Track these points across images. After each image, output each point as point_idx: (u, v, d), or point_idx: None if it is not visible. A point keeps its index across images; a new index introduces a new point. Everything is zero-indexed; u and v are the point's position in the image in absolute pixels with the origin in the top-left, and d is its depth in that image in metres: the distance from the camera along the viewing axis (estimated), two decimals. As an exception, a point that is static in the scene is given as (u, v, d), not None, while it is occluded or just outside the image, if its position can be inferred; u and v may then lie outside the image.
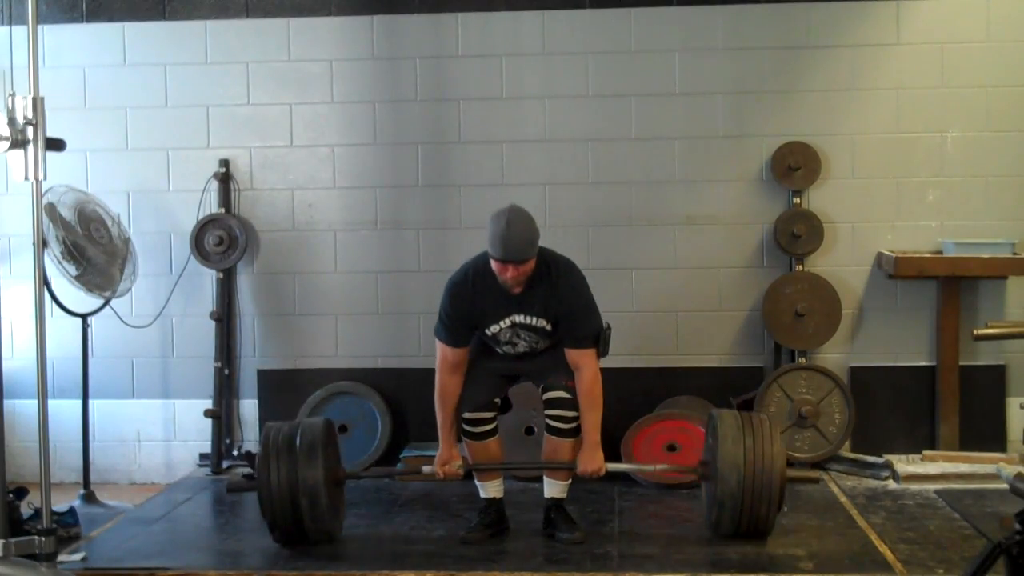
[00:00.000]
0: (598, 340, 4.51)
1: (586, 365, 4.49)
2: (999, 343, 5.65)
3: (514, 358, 4.62)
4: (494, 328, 4.51)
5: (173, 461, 6.06)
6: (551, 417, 4.61)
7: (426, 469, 4.68)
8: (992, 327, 4.70)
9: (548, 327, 4.50)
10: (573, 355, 4.50)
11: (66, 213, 5.32)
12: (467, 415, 4.62)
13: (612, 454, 5.59)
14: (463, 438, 4.68)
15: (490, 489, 4.72)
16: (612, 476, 5.52)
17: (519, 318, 4.48)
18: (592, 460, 4.53)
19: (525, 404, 5.41)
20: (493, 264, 4.38)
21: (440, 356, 4.57)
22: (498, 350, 4.60)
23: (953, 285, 5.64)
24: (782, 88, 5.83)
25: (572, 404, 4.53)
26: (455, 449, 4.64)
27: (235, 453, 5.97)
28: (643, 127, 5.87)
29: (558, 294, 4.45)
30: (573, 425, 4.56)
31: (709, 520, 4.57)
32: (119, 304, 5.70)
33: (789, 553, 4.43)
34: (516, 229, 4.32)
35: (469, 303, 4.49)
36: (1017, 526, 3.19)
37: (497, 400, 4.68)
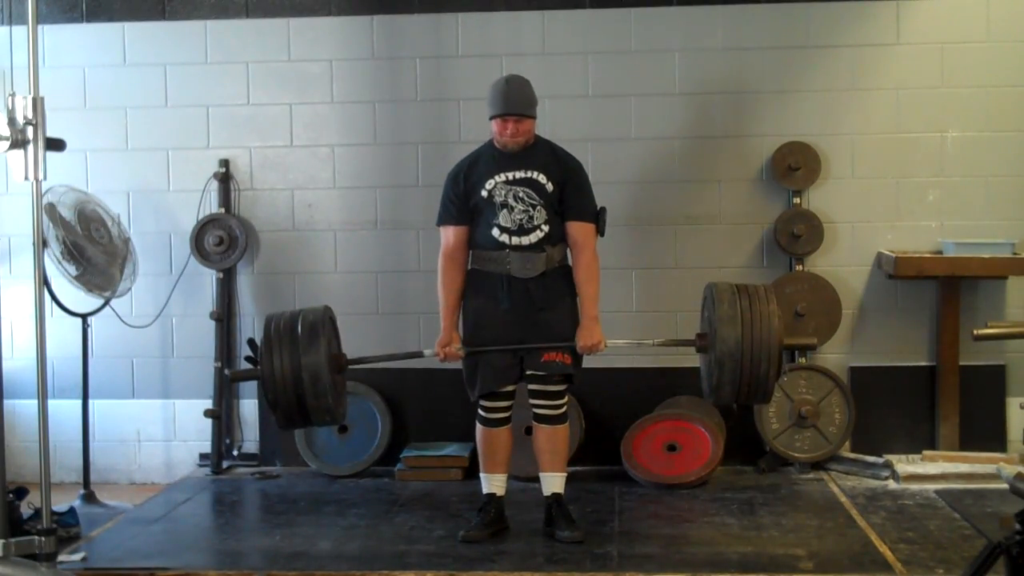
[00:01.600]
0: (597, 217, 4.64)
1: (586, 242, 4.61)
2: (999, 343, 5.64)
3: (512, 319, 4.54)
4: (489, 184, 4.57)
5: (173, 461, 6.06)
6: (537, 407, 4.62)
7: (427, 352, 4.68)
8: (992, 327, 4.68)
9: (547, 185, 4.56)
10: (574, 228, 4.60)
11: (66, 213, 5.32)
12: (483, 403, 4.64)
13: (612, 454, 5.62)
14: (476, 423, 4.69)
15: (494, 483, 4.71)
16: (612, 476, 5.55)
17: (518, 173, 4.56)
18: (591, 335, 4.54)
19: (525, 404, 5.40)
20: (494, 126, 4.57)
21: (443, 241, 4.67)
22: (494, 230, 4.55)
23: (953, 285, 5.64)
24: (782, 88, 5.83)
25: (559, 394, 4.56)
26: (455, 333, 4.65)
27: (235, 453, 5.98)
28: (643, 127, 5.87)
29: (561, 162, 4.63)
30: (560, 412, 4.61)
31: (708, 387, 4.45)
32: (119, 304, 5.70)
33: (789, 553, 4.43)
34: (515, 86, 4.59)
35: (467, 169, 4.64)
36: (1017, 526, 3.19)
37: (513, 389, 4.67)
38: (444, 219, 4.68)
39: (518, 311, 4.58)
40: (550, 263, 4.58)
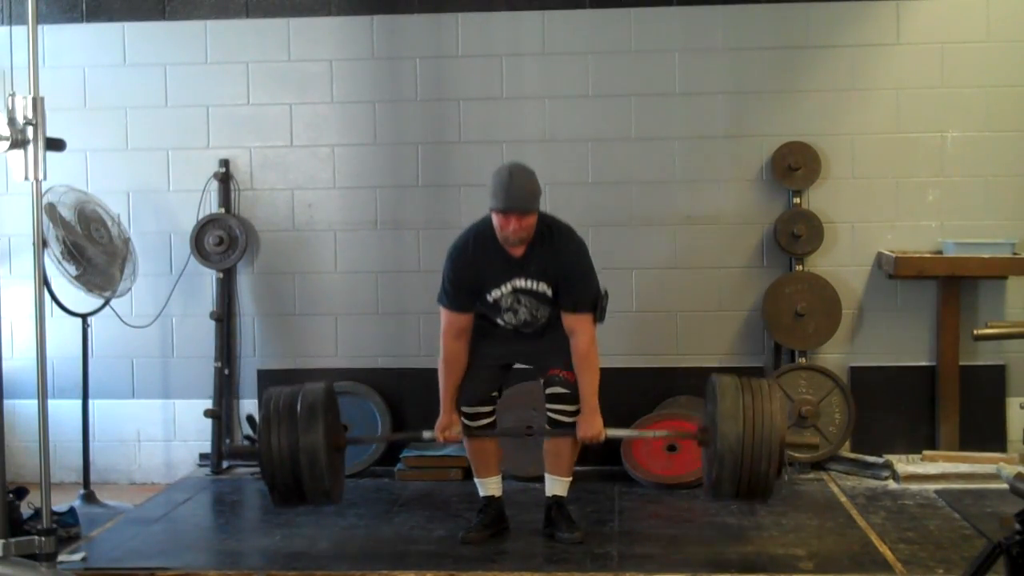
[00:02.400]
0: (595, 306, 4.53)
1: (582, 330, 4.49)
2: (999, 343, 5.64)
3: (513, 337, 4.60)
4: (495, 293, 4.51)
5: (173, 461, 6.06)
6: (552, 411, 4.62)
7: (426, 435, 4.67)
8: (992, 327, 4.70)
9: (548, 292, 4.50)
10: (570, 319, 4.50)
11: (66, 213, 5.32)
12: (465, 409, 4.62)
13: (613, 454, 5.61)
14: (463, 433, 4.68)
15: (489, 487, 4.72)
16: (612, 476, 5.55)
17: (520, 282, 4.48)
18: (591, 425, 4.52)
19: (525, 404, 5.41)
20: (495, 219, 4.39)
21: (445, 323, 4.57)
22: (498, 320, 4.58)
23: (953, 285, 5.64)
24: (782, 88, 5.83)
25: (572, 399, 4.54)
26: (455, 415, 4.62)
27: (235, 453, 5.99)
28: (643, 127, 5.87)
29: (558, 258, 4.47)
30: (574, 419, 4.57)
31: (708, 482, 4.49)
32: (119, 304, 5.70)
33: (789, 553, 4.43)
34: (518, 180, 4.36)
35: (471, 267, 4.50)
36: (1017, 526, 3.19)
37: (495, 393, 4.68)
38: (446, 304, 4.56)
39: (519, 334, 4.63)
40: (552, 318, 4.61)
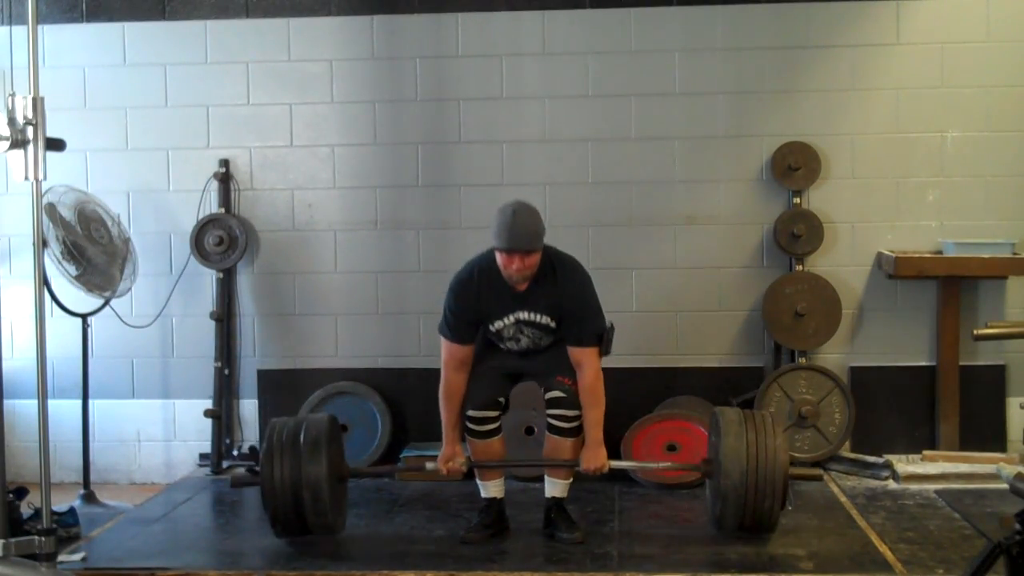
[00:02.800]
0: (601, 339, 4.52)
1: (588, 364, 4.49)
2: (999, 343, 5.65)
3: (517, 355, 4.63)
4: (498, 324, 4.52)
5: (173, 461, 6.06)
6: (552, 416, 4.61)
7: (429, 466, 4.69)
8: (992, 327, 4.70)
9: (552, 324, 4.51)
10: (575, 353, 4.51)
11: (66, 213, 5.32)
12: (471, 413, 4.62)
13: (612, 454, 5.60)
14: (467, 436, 4.69)
15: (491, 489, 4.72)
16: (612, 476, 5.51)
17: (523, 315, 4.49)
18: (595, 458, 4.54)
19: (525, 404, 5.41)
20: (499, 257, 4.39)
21: (446, 354, 4.57)
22: (501, 346, 4.61)
23: (953, 285, 5.64)
24: (782, 88, 5.83)
25: (573, 403, 4.54)
26: (459, 446, 4.64)
27: (235, 453, 5.98)
28: (643, 127, 5.87)
29: (562, 292, 4.46)
30: (574, 424, 4.57)
31: (713, 516, 4.56)
32: (119, 304, 5.70)
33: (789, 553, 4.43)
34: (522, 219, 4.35)
35: (474, 300, 4.50)
36: (1017, 526, 3.19)
37: (501, 399, 4.68)
38: (449, 336, 4.56)
39: (522, 352, 4.65)
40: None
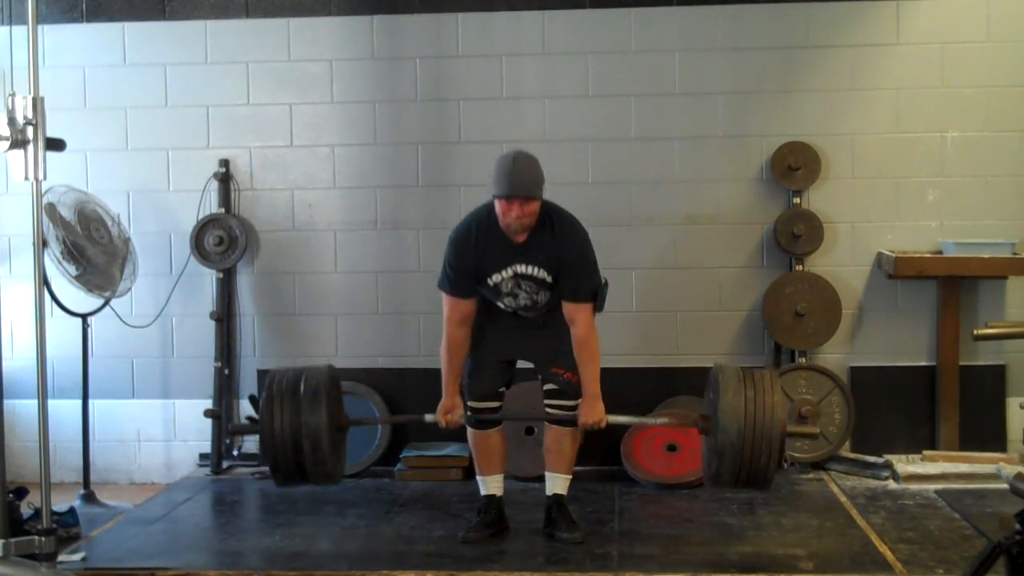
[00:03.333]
0: (595, 296, 4.53)
1: (581, 319, 4.49)
2: (999, 343, 5.65)
3: (515, 329, 4.60)
4: (496, 278, 4.51)
5: (173, 461, 6.06)
6: (551, 407, 4.63)
7: (428, 417, 4.65)
8: (992, 327, 4.70)
9: (548, 278, 4.50)
10: (569, 308, 4.50)
11: (66, 213, 5.32)
12: (473, 404, 4.64)
13: (612, 454, 5.62)
14: (467, 427, 4.70)
15: (491, 485, 4.72)
16: (612, 476, 5.55)
17: (521, 268, 4.48)
18: (593, 411, 4.52)
19: (525, 405, 5.41)
20: (498, 206, 4.39)
21: (447, 309, 4.57)
22: (499, 303, 4.58)
23: (953, 285, 5.64)
24: (782, 88, 5.83)
25: (571, 395, 4.55)
26: (457, 399, 4.62)
27: (235, 453, 5.98)
28: (643, 127, 5.87)
29: (560, 247, 4.47)
30: (574, 414, 4.58)
31: (708, 473, 4.48)
32: (119, 304, 5.70)
33: (789, 553, 4.43)
34: (522, 166, 4.37)
35: (472, 252, 4.50)
36: (1017, 526, 3.19)
37: (502, 390, 4.69)
38: (448, 289, 4.56)
39: (520, 323, 4.63)
40: (552, 305, 4.60)
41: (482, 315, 4.64)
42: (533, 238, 4.45)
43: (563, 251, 4.47)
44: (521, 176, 4.34)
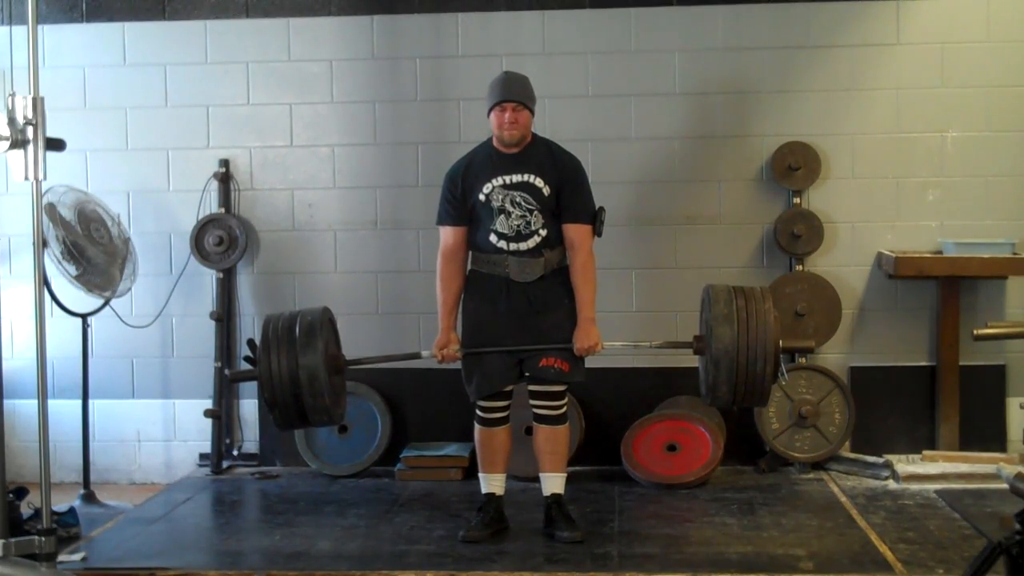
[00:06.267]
0: (594, 218, 4.62)
1: (581, 243, 4.58)
2: (999, 343, 5.64)
3: (513, 316, 4.56)
4: (487, 188, 4.56)
5: (173, 461, 6.06)
6: (538, 407, 4.64)
7: (425, 353, 4.68)
8: (992, 327, 4.68)
9: (544, 189, 4.55)
10: (570, 230, 4.59)
11: (66, 213, 5.32)
12: (481, 403, 4.65)
13: (613, 454, 5.62)
14: (474, 423, 4.70)
15: (492, 483, 4.72)
16: (612, 476, 5.55)
17: (516, 177, 4.56)
18: (588, 336, 4.54)
19: (525, 404, 5.40)
20: (493, 118, 4.57)
21: (441, 243, 4.67)
22: (491, 236, 4.57)
23: (953, 285, 5.64)
24: (782, 88, 5.83)
25: (559, 395, 4.59)
26: (453, 334, 4.65)
27: (235, 453, 5.98)
28: (643, 127, 5.87)
29: (556, 163, 4.61)
30: (560, 412, 4.63)
31: (706, 388, 4.46)
32: (119, 304, 5.70)
33: (789, 553, 4.43)
34: (514, 76, 4.63)
35: (464, 171, 4.64)
36: (1017, 526, 3.19)
37: (510, 389, 4.68)
38: (442, 219, 4.69)
39: (516, 313, 4.59)
40: (548, 267, 4.58)
41: (476, 308, 4.63)
42: (529, 152, 4.60)
43: (561, 167, 4.61)
44: (512, 84, 4.57)
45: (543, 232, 4.56)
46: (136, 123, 6.02)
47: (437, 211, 4.72)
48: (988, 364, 5.75)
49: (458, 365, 4.69)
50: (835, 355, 5.84)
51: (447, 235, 4.67)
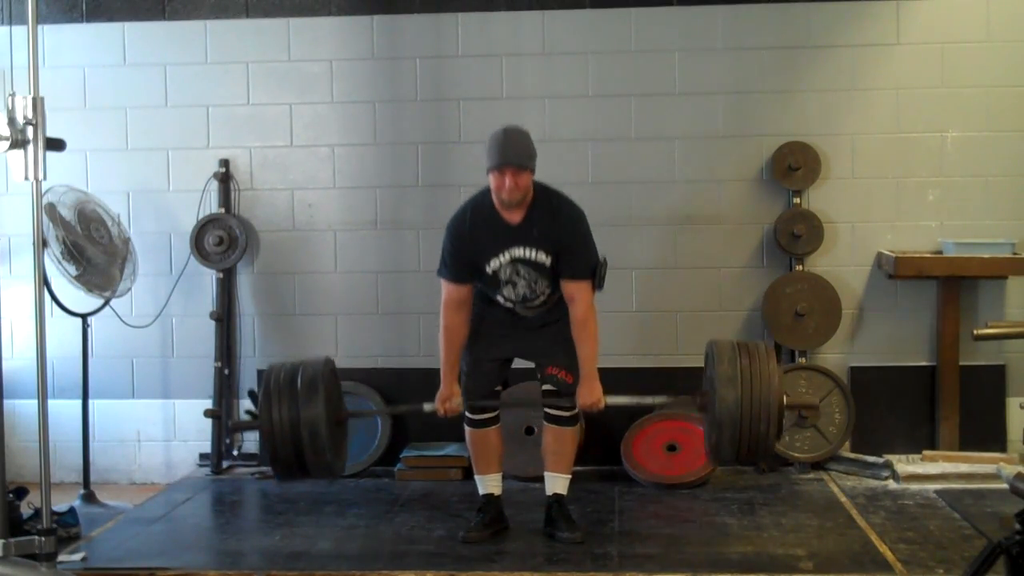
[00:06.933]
0: (594, 273, 4.53)
1: (580, 297, 4.49)
2: (999, 343, 5.65)
3: (512, 328, 4.60)
4: (494, 264, 4.49)
5: (173, 461, 6.06)
6: (549, 406, 4.63)
7: (427, 407, 4.64)
8: (992, 327, 4.69)
9: (547, 261, 4.48)
10: (568, 287, 4.50)
11: (66, 213, 5.32)
12: (469, 404, 4.63)
13: (612, 454, 5.62)
14: (465, 426, 4.70)
15: (489, 484, 4.72)
16: (612, 476, 5.55)
17: (518, 251, 4.47)
18: (590, 393, 4.52)
19: (525, 405, 5.41)
20: (492, 180, 4.40)
21: (445, 295, 4.57)
22: (498, 297, 4.57)
23: (953, 285, 5.64)
24: (782, 88, 5.83)
25: (569, 393, 4.56)
26: (455, 387, 4.61)
27: (235, 453, 5.98)
28: (643, 127, 5.87)
29: (556, 224, 4.46)
30: (571, 414, 4.61)
31: (709, 446, 4.45)
32: (119, 304, 5.70)
33: (789, 553, 4.43)
34: (513, 137, 4.41)
35: (469, 237, 4.50)
36: (1017, 526, 3.19)
37: (498, 388, 4.69)
38: (446, 275, 4.57)
39: (517, 322, 4.63)
40: (551, 301, 4.60)
41: (479, 313, 4.64)
42: (529, 218, 4.45)
43: (560, 230, 4.47)
44: (512, 147, 4.37)
45: (547, 291, 4.56)
46: (136, 123, 6.02)
47: (440, 263, 4.59)
48: (988, 364, 5.75)
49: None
50: (835, 355, 5.84)
51: (450, 290, 4.56)
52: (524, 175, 4.37)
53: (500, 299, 4.59)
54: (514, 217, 4.44)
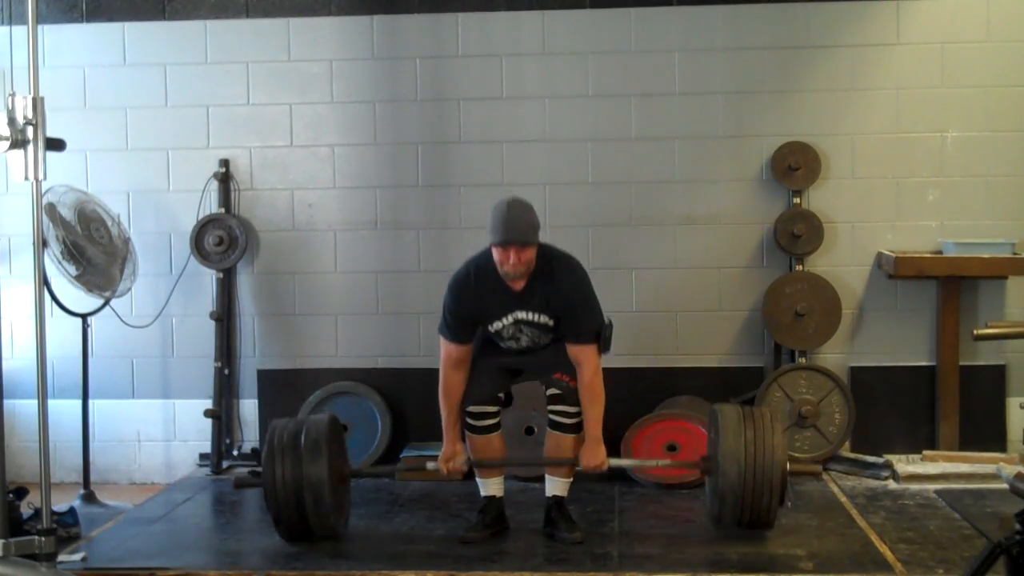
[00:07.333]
0: (599, 336, 4.51)
1: (586, 361, 4.48)
2: (999, 343, 5.65)
3: (516, 352, 4.63)
4: (497, 325, 4.51)
5: (173, 461, 6.06)
6: (553, 412, 4.63)
7: (430, 466, 4.70)
8: (992, 327, 4.71)
9: (550, 323, 4.50)
10: (574, 351, 4.50)
11: (66, 213, 5.32)
12: (471, 408, 4.63)
13: (612, 453, 5.60)
14: (466, 432, 4.70)
15: (491, 487, 4.72)
16: (612, 476, 5.53)
17: (521, 314, 4.48)
18: (594, 456, 4.54)
19: (525, 404, 5.41)
20: (495, 253, 4.37)
21: (444, 353, 4.57)
22: (501, 344, 4.61)
23: (953, 285, 5.64)
24: (782, 88, 5.83)
25: (574, 400, 4.55)
26: (459, 445, 4.63)
27: (235, 453, 5.98)
28: (643, 127, 5.87)
29: (559, 289, 4.45)
30: (575, 420, 4.59)
31: (711, 514, 4.57)
32: (119, 304, 5.70)
33: (789, 553, 4.43)
34: (517, 212, 4.35)
35: (472, 299, 4.48)
36: (1017, 526, 3.19)
37: (501, 395, 4.69)
38: (447, 335, 4.55)
39: (523, 350, 4.64)
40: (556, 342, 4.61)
41: (484, 337, 4.63)
42: (532, 284, 4.43)
43: (563, 295, 4.45)
44: (516, 222, 4.32)
45: (551, 340, 4.57)
46: (136, 123, 6.02)
47: (441, 321, 4.57)
48: (988, 364, 5.76)
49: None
50: (835, 355, 5.84)
51: (451, 349, 4.55)
52: (528, 251, 4.36)
53: (502, 346, 4.62)
54: (516, 284, 4.43)
